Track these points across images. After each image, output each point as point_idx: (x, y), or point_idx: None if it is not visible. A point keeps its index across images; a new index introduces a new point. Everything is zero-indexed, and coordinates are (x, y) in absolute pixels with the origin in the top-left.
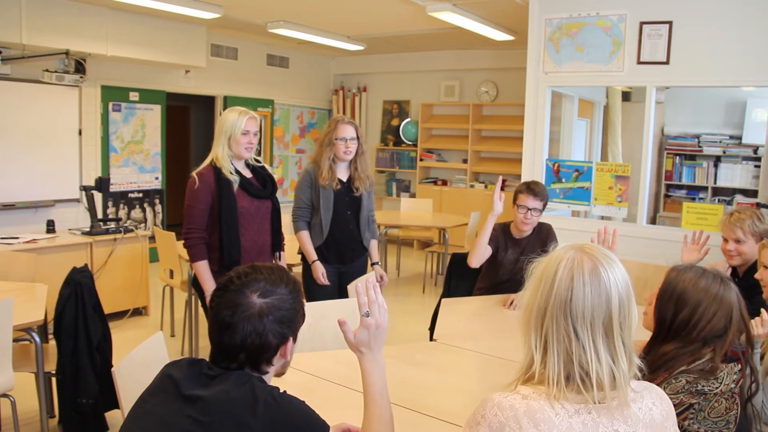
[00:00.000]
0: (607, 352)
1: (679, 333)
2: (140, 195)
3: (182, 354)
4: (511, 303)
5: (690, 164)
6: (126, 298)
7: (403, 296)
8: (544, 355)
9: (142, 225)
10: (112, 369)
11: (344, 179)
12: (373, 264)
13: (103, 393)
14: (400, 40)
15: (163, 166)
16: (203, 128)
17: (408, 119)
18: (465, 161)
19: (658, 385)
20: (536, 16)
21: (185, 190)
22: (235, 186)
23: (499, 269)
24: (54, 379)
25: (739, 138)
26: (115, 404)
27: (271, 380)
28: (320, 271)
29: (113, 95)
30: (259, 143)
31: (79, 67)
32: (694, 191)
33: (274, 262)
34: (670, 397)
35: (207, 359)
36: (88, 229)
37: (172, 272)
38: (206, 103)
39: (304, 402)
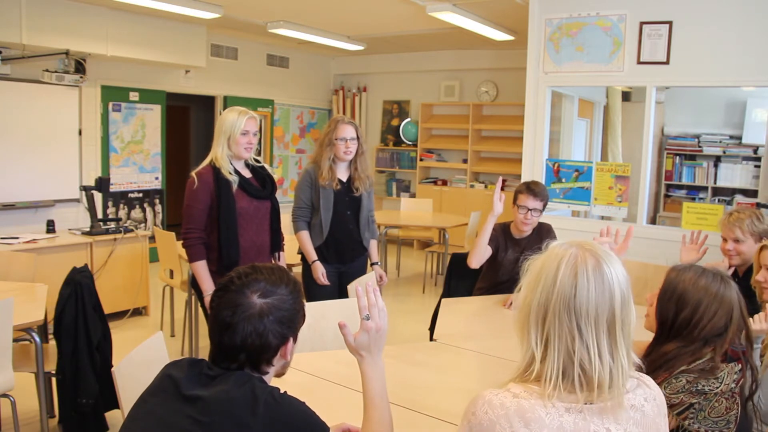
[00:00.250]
0: (608, 351)
1: (681, 332)
2: (140, 195)
3: (182, 354)
4: (511, 303)
5: (690, 164)
6: (126, 298)
7: (403, 296)
8: (545, 352)
9: (142, 225)
10: (112, 369)
11: (344, 179)
12: (372, 264)
13: (103, 393)
14: (400, 40)
15: (163, 166)
16: (203, 128)
17: (408, 119)
18: (465, 161)
19: (659, 384)
20: (536, 16)
21: (185, 190)
22: (234, 186)
23: (499, 269)
24: (54, 379)
25: (739, 138)
26: (115, 404)
27: (272, 380)
28: (320, 271)
29: (113, 95)
30: (259, 143)
31: (79, 67)
32: (694, 191)
33: (273, 262)
34: (670, 397)
35: (207, 359)
36: (88, 229)
37: (172, 272)
38: (206, 103)
39: (304, 403)
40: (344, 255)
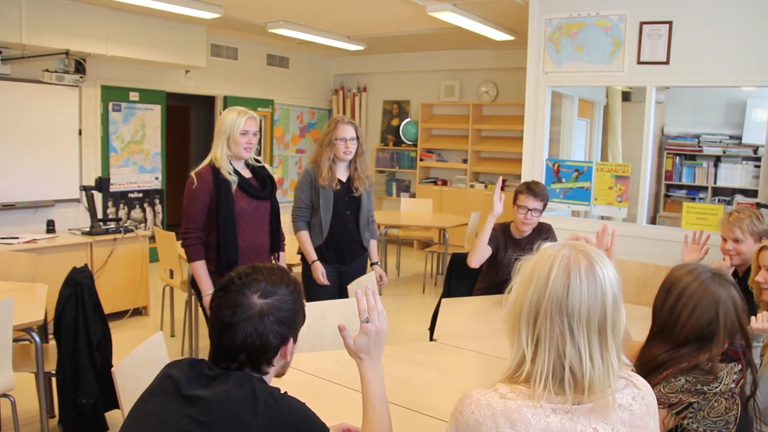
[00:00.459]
0: (599, 353)
1: (665, 327)
2: (140, 195)
3: (182, 354)
4: None
5: (690, 164)
6: (126, 298)
7: (403, 296)
8: (535, 353)
9: (142, 225)
10: (112, 369)
11: (344, 179)
12: (372, 264)
13: (103, 393)
14: (400, 40)
15: (163, 166)
16: (203, 128)
17: (408, 119)
18: (465, 161)
19: (657, 383)
20: (536, 16)
21: (184, 190)
22: (234, 186)
23: (499, 269)
24: (54, 379)
25: (739, 138)
26: (115, 404)
27: (272, 381)
28: (320, 271)
29: (113, 95)
30: (259, 143)
31: (79, 67)
32: (694, 191)
33: (273, 262)
34: (669, 396)
35: (207, 359)
36: (88, 229)
37: (172, 272)
38: (206, 103)
39: (304, 403)
40: (344, 255)
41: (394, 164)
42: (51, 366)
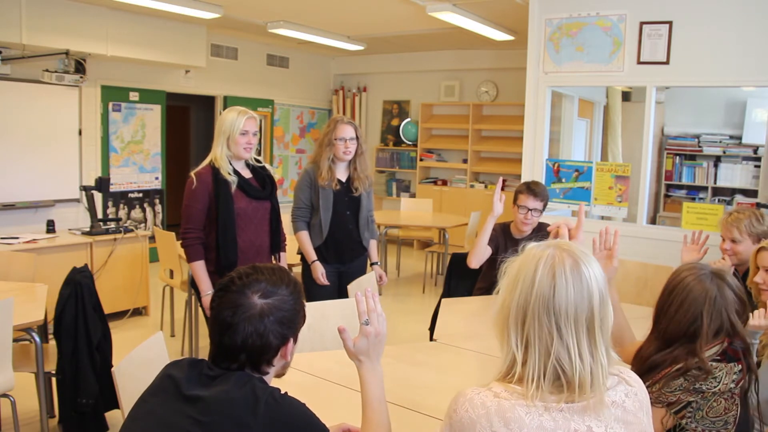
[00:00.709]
0: (588, 350)
1: (656, 321)
2: (140, 195)
3: (182, 354)
4: None
5: (690, 164)
6: (126, 298)
7: (403, 296)
8: (525, 354)
9: (142, 225)
10: (112, 369)
11: (343, 179)
12: (372, 264)
13: (103, 393)
14: (400, 40)
15: (163, 166)
16: (203, 128)
17: (408, 119)
18: (465, 161)
19: (656, 382)
20: (536, 16)
21: (184, 191)
22: (233, 186)
23: (499, 269)
24: (54, 379)
25: (739, 138)
26: (115, 404)
27: (272, 381)
28: (320, 271)
29: (113, 95)
30: (259, 143)
31: (79, 67)
32: (694, 191)
33: (274, 262)
34: (668, 395)
35: (207, 359)
36: (88, 229)
37: (172, 272)
38: (206, 103)
39: (304, 404)
40: (344, 255)
41: (394, 164)
42: (51, 366)
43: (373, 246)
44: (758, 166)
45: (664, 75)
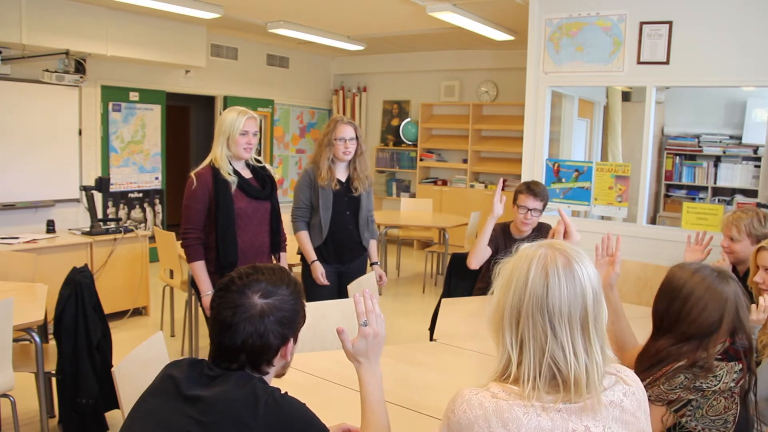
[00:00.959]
0: (583, 348)
1: (673, 326)
2: (140, 195)
3: (182, 354)
4: None
5: (690, 164)
6: (126, 298)
7: (403, 296)
8: (520, 354)
9: (142, 225)
10: (112, 369)
11: (343, 179)
12: (372, 264)
13: (103, 393)
14: (400, 40)
15: (163, 166)
16: (203, 128)
17: (408, 119)
18: (465, 161)
19: (655, 380)
20: (536, 16)
21: (184, 191)
22: (233, 187)
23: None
24: (54, 379)
25: (739, 138)
26: (115, 404)
27: (272, 381)
28: (319, 271)
29: (113, 95)
30: (259, 143)
31: (79, 67)
32: (694, 191)
33: (274, 262)
34: (668, 393)
35: (207, 359)
36: (88, 229)
37: (172, 272)
38: (206, 103)
39: (304, 404)
40: (343, 255)
41: (394, 164)
42: (51, 366)
43: (373, 246)
44: (758, 166)
45: (664, 75)
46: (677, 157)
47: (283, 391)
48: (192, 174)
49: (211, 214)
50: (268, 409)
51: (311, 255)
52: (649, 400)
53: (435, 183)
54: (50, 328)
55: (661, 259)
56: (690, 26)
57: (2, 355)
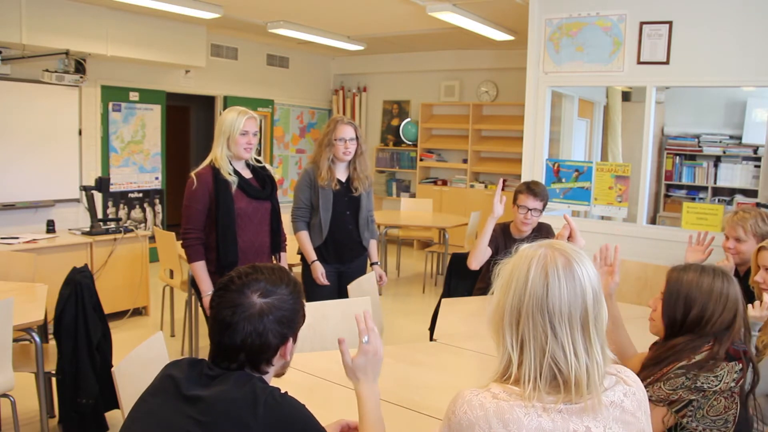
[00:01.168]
0: (583, 348)
1: (692, 329)
2: (140, 195)
3: (182, 354)
4: None
5: (690, 164)
6: (126, 298)
7: (403, 296)
8: (521, 354)
9: (142, 225)
10: (112, 369)
11: (343, 179)
12: (372, 264)
13: (103, 393)
14: (400, 40)
15: (163, 166)
16: (203, 128)
17: (408, 119)
18: (465, 161)
19: (656, 380)
20: (536, 16)
21: (184, 191)
22: (234, 187)
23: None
24: (54, 379)
25: (739, 138)
26: (115, 404)
27: (271, 381)
28: (319, 271)
29: (113, 95)
30: (259, 143)
31: (79, 67)
32: (694, 191)
33: (274, 262)
34: (668, 393)
35: (207, 359)
36: (88, 229)
37: (172, 272)
38: (206, 103)
39: (304, 406)
40: (343, 255)
41: (394, 164)
42: (51, 366)
43: (373, 246)
44: (758, 166)
45: (664, 75)
46: (677, 157)
47: (282, 391)
48: (192, 174)
49: (212, 214)
50: (268, 408)
51: (311, 255)
52: (649, 400)
53: (435, 183)
54: (50, 328)
55: (661, 259)
56: (690, 26)
57: (2, 355)
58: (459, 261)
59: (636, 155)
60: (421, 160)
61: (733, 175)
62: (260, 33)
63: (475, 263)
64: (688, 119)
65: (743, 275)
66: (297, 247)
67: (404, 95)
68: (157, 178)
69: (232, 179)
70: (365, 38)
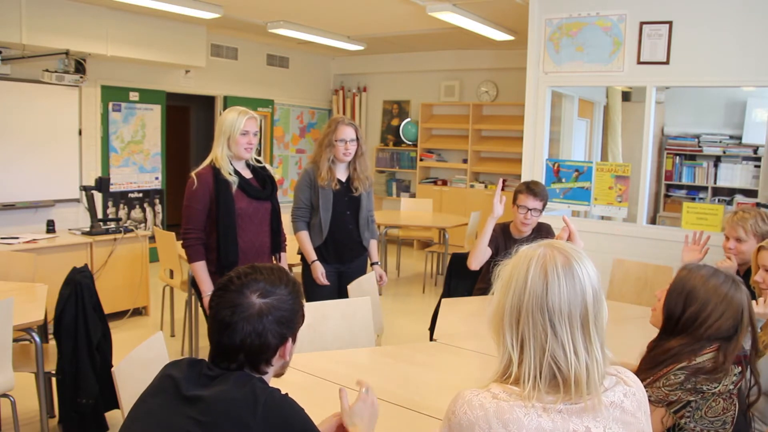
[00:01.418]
0: (583, 347)
1: (687, 329)
2: (140, 195)
3: (182, 354)
4: None
5: (690, 164)
6: (126, 298)
7: (403, 296)
8: (521, 353)
9: (142, 225)
10: (112, 369)
11: (343, 179)
12: (372, 264)
13: (103, 393)
14: (400, 40)
15: (163, 166)
16: (203, 128)
17: (408, 119)
18: (465, 161)
19: (656, 380)
20: (536, 16)
21: (185, 191)
22: (234, 187)
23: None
24: (54, 379)
25: (739, 138)
26: (115, 404)
27: (271, 381)
28: (319, 271)
29: (113, 95)
30: (259, 143)
31: (79, 67)
32: (694, 191)
33: (274, 262)
34: (668, 393)
35: (207, 359)
36: (88, 229)
37: (172, 272)
38: (206, 103)
39: (303, 409)
40: (344, 255)
41: (394, 164)
42: (51, 366)
43: (373, 246)
44: (758, 166)
45: (664, 75)
46: (677, 157)
47: (283, 392)
48: (192, 174)
49: (212, 215)
50: (268, 408)
51: (311, 255)
52: (648, 401)
53: (435, 183)
54: (50, 328)
55: (661, 259)
56: (690, 26)
57: (2, 355)
58: (459, 261)
59: (636, 155)
60: (421, 160)
61: (733, 175)
62: (260, 33)
63: (475, 263)
64: (688, 119)
65: (743, 275)
66: (297, 247)
67: (404, 95)
68: (157, 178)
69: (233, 179)
70: (365, 38)
